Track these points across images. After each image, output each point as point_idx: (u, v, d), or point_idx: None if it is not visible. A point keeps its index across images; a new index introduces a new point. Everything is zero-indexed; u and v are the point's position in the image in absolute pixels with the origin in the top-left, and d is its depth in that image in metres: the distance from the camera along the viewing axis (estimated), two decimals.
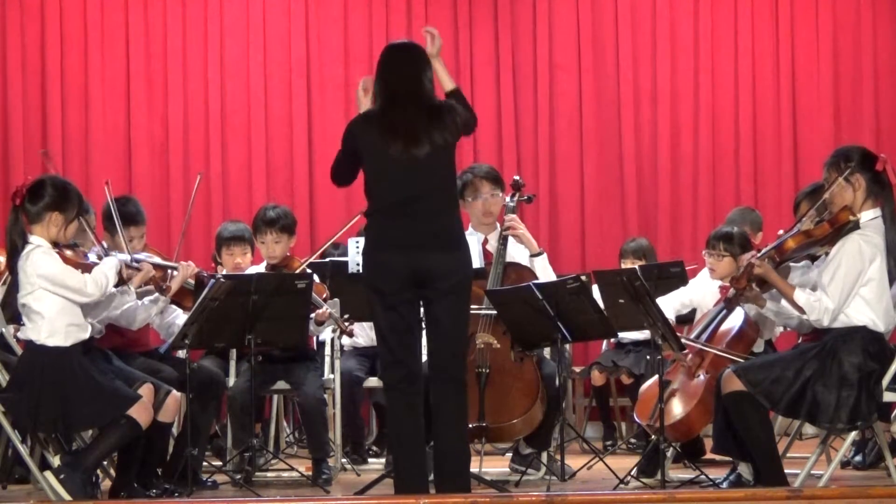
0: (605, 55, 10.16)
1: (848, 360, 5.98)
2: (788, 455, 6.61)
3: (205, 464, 6.99)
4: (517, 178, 7.36)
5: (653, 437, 6.63)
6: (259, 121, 9.99)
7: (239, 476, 6.80)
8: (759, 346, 6.85)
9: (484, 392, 6.70)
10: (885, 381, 6.06)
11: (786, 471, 6.10)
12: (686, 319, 7.51)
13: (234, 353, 7.32)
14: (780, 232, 6.37)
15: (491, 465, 7.24)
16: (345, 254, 7.42)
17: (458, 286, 5.74)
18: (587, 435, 8.86)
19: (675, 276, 7.99)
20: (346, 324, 6.99)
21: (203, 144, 9.95)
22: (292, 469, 7.10)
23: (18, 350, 6.33)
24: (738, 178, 10.13)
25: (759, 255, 6.18)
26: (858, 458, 7.31)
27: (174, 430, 6.77)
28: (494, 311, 6.78)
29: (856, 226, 6.06)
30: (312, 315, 6.89)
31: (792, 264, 6.32)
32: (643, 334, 7.66)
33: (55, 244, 5.99)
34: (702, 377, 6.64)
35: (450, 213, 5.82)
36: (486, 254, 7.03)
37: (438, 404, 5.75)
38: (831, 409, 5.97)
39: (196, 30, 10.01)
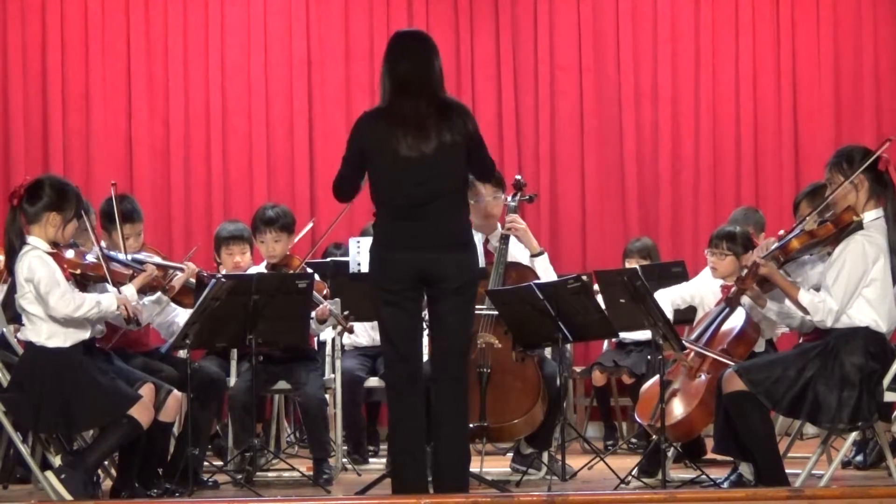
0: (606, 55, 10.15)
1: (849, 361, 5.98)
2: (789, 455, 6.61)
3: (206, 464, 6.99)
4: (519, 177, 7.35)
5: (654, 437, 6.63)
6: (260, 121, 9.98)
7: (240, 476, 6.81)
8: (760, 346, 6.85)
9: (485, 392, 6.70)
10: (886, 381, 6.06)
11: (787, 471, 6.09)
12: (686, 319, 7.51)
13: (234, 352, 7.31)
14: (781, 232, 6.36)
15: (492, 464, 7.23)
16: (346, 253, 7.41)
17: (463, 287, 5.73)
18: (588, 435, 8.85)
19: (677, 276, 8.00)
20: (347, 321, 6.99)
21: (204, 144, 9.94)
22: (293, 469, 7.10)
23: (20, 350, 6.33)
24: (738, 177, 10.12)
25: (763, 255, 6.18)
26: (859, 458, 7.31)
27: (175, 430, 6.77)
28: (496, 311, 6.78)
29: (859, 226, 6.06)
30: (313, 313, 6.89)
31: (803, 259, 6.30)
32: (644, 334, 7.66)
33: (54, 244, 5.98)
34: (703, 377, 6.64)
35: (458, 214, 5.81)
36: (487, 254, 7.03)
37: (439, 404, 5.74)
38: (832, 409, 5.97)
39: (197, 30, 10.00)
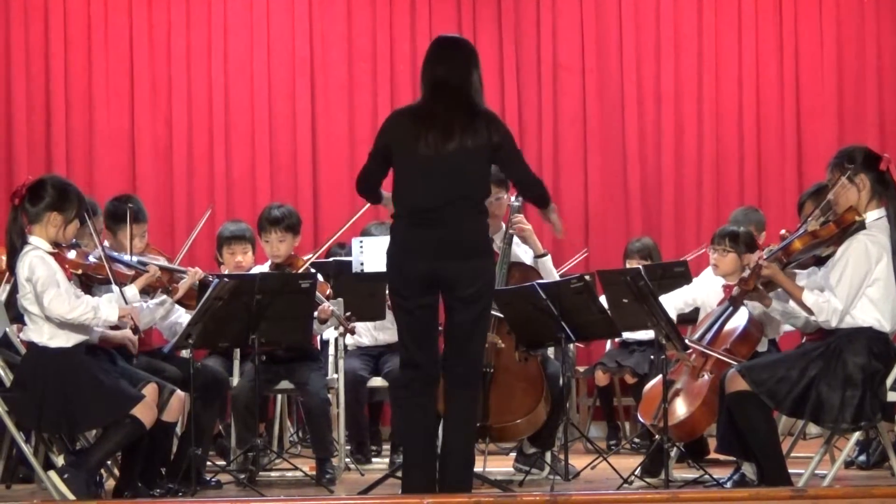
0: (609, 55, 10.16)
1: (853, 361, 5.97)
2: (792, 455, 6.61)
3: (208, 463, 6.98)
4: None
5: (657, 436, 6.62)
6: (263, 121, 9.99)
7: (243, 476, 6.80)
8: (762, 346, 6.85)
9: (488, 392, 6.70)
10: (890, 381, 6.06)
11: (790, 470, 6.09)
12: (689, 319, 7.50)
13: (237, 352, 7.32)
14: (783, 232, 6.36)
15: (495, 464, 7.23)
16: (350, 254, 7.41)
17: (478, 294, 5.72)
18: (591, 435, 8.85)
19: (679, 276, 7.99)
20: (349, 322, 6.99)
21: (207, 144, 9.95)
22: (296, 469, 7.09)
23: (22, 349, 6.33)
24: (741, 177, 10.12)
25: (766, 256, 6.18)
26: (862, 457, 7.30)
27: (178, 430, 6.76)
28: (499, 312, 6.77)
29: (861, 226, 6.06)
30: (315, 312, 6.89)
31: (797, 271, 6.31)
32: (647, 334, 7.66)
33: (56, 244, 5.98)
34: (706, 377, 6.64)
35: (475, 221, 5.76)
36: None
37: (450, 408, 5.77)
38: (835, 409, 5.96)
39: (200, 30, 10.01)
